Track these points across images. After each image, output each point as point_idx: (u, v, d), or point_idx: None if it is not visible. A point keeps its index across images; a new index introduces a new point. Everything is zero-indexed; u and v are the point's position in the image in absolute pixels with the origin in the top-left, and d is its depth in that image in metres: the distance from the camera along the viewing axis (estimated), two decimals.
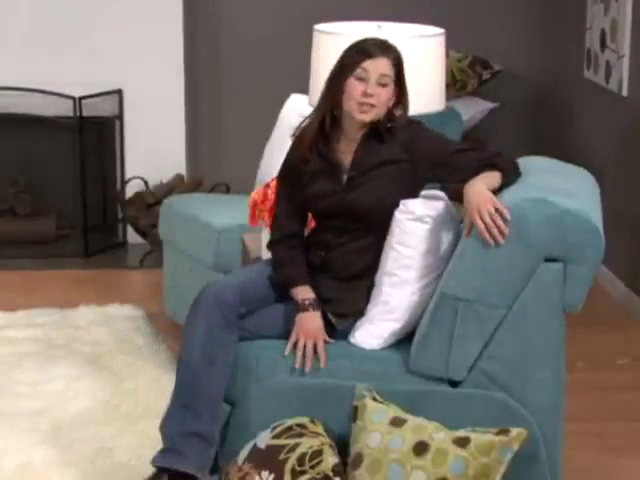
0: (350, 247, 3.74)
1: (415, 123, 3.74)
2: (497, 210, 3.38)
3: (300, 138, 3.77)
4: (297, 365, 3.62)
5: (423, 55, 4.39)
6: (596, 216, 3.51)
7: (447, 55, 4.72)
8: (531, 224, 3.40)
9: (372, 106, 3.62)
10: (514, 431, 3.37)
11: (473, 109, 6.71)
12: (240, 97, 7.02)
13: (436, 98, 4.51)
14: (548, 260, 3.45)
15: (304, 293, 3.71)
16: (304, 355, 3.61)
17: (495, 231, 3.38)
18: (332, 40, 4.34)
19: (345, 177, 3.71)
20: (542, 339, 3.51)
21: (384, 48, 3.67)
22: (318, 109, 3.75)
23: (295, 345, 3.63)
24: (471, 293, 3.46)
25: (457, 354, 3.52)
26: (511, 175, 3.57)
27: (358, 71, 3.63)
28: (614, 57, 6.05)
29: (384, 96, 3.64)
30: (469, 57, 6.81)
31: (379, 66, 3.63)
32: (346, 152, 3.73)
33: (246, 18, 7.00)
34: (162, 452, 3.65)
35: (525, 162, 3.92)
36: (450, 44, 4.86)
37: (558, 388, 3.56)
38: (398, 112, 3.72)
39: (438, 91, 4.51)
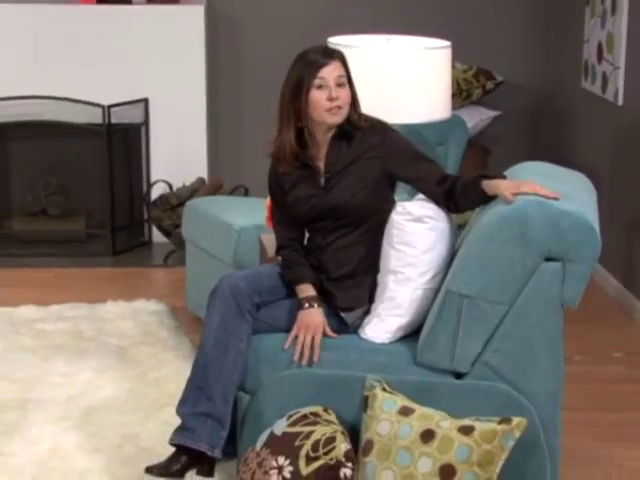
0: (338, 245, 3.76)
1: (384, 124, 3.76)
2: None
3: (278, 157, 3.78)
4: (295, 357, 3.63)
5: (431, 66, 4.39)
6: (593, 218, 3.50)
7: (453, 66, 4.73)
8: (532, 225, 3.39)
9: (339, 107, 3.65)
10: (515, 420, 3.37)
11: (477, 117, 6.71)
12: (258, 105, 7.02)
13: (443, 106, 4.51)
14: (548, 259, 3.44)
15: (305, 291, 3.73)
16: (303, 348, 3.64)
17: (550, 193, 3.41)
18: (344, 52, 4.33)
19: (322, 180, 3.75)
20: (542, 334, 3.50)
21: (329, 53, 3.70)
22: (286, 126, 3.72)
23: (296, 339, 3.65)
24: (475, 290, 3.46)
25: (462, 348, 3.51)
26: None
27: (316, 82, 3.64)
28: (610, 69, 6.04)
29: (346, 95, 3.67)
30: (474, 68, 6.81)
31: (333, 70, 3.65)
32: (319, 157, 3.76)
33: (263, 32, 7.01)
34: (177, 431, 3.66)
35: (526, 167, 3.92)
36: (456, 56, 4.86)
37: (557, 379, 3.55)
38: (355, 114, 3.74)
39: (445, 100, 4.51)
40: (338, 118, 3.66)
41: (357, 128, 3.72)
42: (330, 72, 3.64)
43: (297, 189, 3.77)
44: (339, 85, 3.65)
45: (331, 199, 3.71)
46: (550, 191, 3.42)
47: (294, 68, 3.68)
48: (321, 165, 3.75)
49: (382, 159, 3.69)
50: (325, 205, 3.72)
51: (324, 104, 3.64)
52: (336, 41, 4.50)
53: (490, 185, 3.52)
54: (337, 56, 3.69)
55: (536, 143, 7.22)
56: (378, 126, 3.74)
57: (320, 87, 3.64)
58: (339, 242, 3.76)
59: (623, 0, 5.85)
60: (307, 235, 3.87)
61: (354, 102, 3.72)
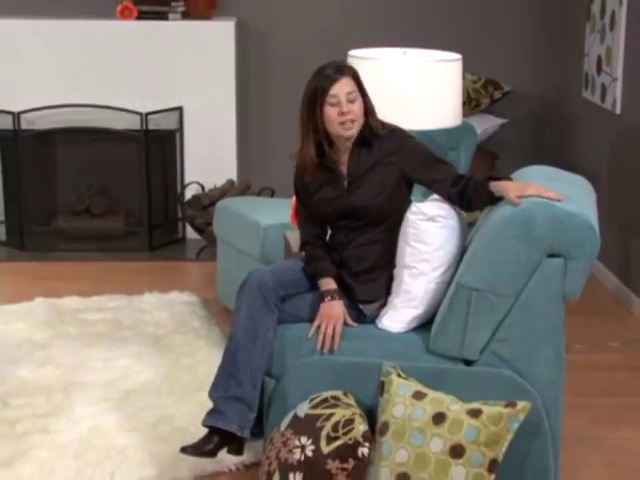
0: (359, 242, 3.75)
1: (401, 131, 3.74)
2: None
3: (302, 166, 3.77)
4: (318, 346, 3.62)
5: (443, 77, 4.38)
6: (593, 217, 3.49)
7: (463, 77, 4.70)
8: (536, 224, 3.38)
9: (352, 121, 3.63)
10: (520, 404, 3.36)
11: (486, 124, 6.69)
12: (283, 113, 7.02)
13: (454, 114, 4.50)
14: (551, 255, 3.43)
15: (326, 285, 3.72)
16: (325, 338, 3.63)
17: (554, 195, 3.39)
18: (364, 64, 4.33)
19: (345, 183, 3.73)
20: (545, 324, 3.49)
21: (340, 69, 3.67)
22: (306, 140, 3.71)
23: (318, 329, 3.64)
24: (483, 284, 3.45)
25: (471, 337, 3.50)
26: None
27: (328, 99, 3.62)
28: (609, 80, 6.02)
29: (357, 109, 3.64)
30: (482, 79, 6.79)
31: (343, 86, 3.62)
32: (342, 162, 3.75)
33: (289, 45, 7.01)
34: (209, 413, 3.67)
35: (531, 170, 3.91)
36: (466, 68, 4.84)
37: (559, 367, 3.54)
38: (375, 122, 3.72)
39: (456, 108, 4.50)
40: (352, 131, 3.65)
41: (376, 135, 3.70)
42: (340, 89, 3.62)
43: (322, 191, 3.76)
44: (350, 101, 3.63)
45: (353, 201, 3.71)
46: (554, 193, 3.40)
47: (309, 86, 3.67)
48: (344, 169, 3.74)
49: (399, 164, 3.68)
50: (347, 206, 3.72)
51: (337, 119, 3.63)
52: (356, 54, 4.49)
53: (497, 186, 3.50)
54: (347, 72, 3.66)
55: (540, 148, 7.20)
56: (396, 133, 3.73)
57: (333, 104, 3.63)
58: (360, 240, 3.75)
59: (621, 17, 5.84)
60: (330, 232, 3.87)
61: (369, 112, 3.70)
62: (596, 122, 6.32)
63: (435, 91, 4.32)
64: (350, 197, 3.71)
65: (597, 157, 6.29)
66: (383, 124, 3.74)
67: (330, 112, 3.64)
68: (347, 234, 3.77)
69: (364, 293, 3.75)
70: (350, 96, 3.63)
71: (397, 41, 5.60)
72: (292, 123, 7.24)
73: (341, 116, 3.62)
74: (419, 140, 3.76)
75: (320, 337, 3.63)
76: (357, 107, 3.65)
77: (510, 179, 3.58)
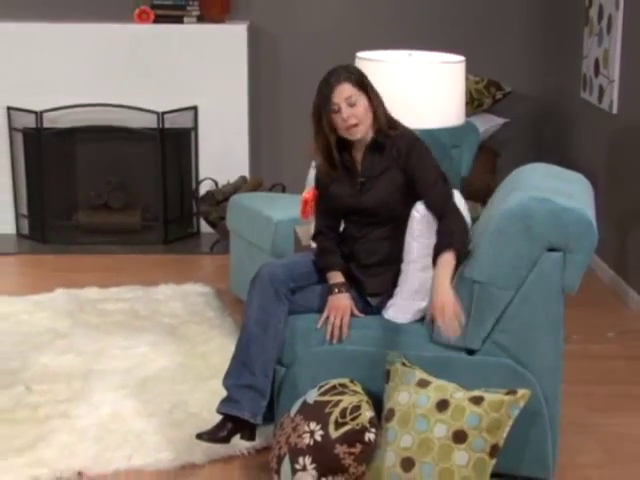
0: (369, 237, 3.74)
1: (414, 137, 3.68)
2: (457, 313, 3.34)
3: (319, 161, 3.77)
4: (327, 337, 3.63)
5: (447, 78, 4.37)
6: (590, 213, 3.48)
7: (466, 78, 4.69)
8: (536, 219, 3.38)
9: (355, 125, 3.61)
10: (520, 391, 3.35)
11: (487, 123, 6.68)
12: (293, 112, 7.02)
13: (457, 114, 4.49)
14: (550, 250, 3.43)
15: (334, 278, 3.72)
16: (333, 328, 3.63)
17: (451, 329, 3.34)
18: (371, 65, 4.33)
19: (359, 181, 3.71)
20: (544, 316, 3.49)
21: (338, 76, 3.62)
22: (318, 144, 3.69)
23: (327, 320, 3.64)
24: (485, 277, 3.44)
25: (473, 327, 3.50)
26: (462, 255, 3.47)
27: (330, 107, 3.61)
28: (606, 81, 6.00)
29: (359, 111, 3.61)
30: (484, 80, 6.78)
31: (341, 93, 3.60)
32: (358, 161, 3.73)
33: (299, 47, 7.00)
34: (223, 401, 3.67)
35: (533, 168, 3.90)
36: (469, 69, 4.83)
37: (557, 356, 3.54)
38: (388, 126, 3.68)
39: (459, 108, 4.49)
40: (357, 134, 3.63)
41: (387, 136, 3.67)
42: (339, 96, 3.60)
43: (337, 187, 3.75)
44: (350, 105, 3.60)
45: (364, 202, 3.69)
46: (450, 319, 3.32)
47: (316, 93, 3.65)
48: (359, 167, 3.73)
49: (402, 167, 3.66)
50: (358, 205, 3.71)
51: (341, 125, 3.62)
52: (364, 56, 4.48)
53: (436, 269, 3.44)
54: (344, 78, 3.61)
55: (540, 147, 7.18)
56: (405, 136, 3.68)
57: (335, 111, 3.61)
58: (370, 235, 3.74)
59: (618, 21, 5.82)
60: (343, 225, 3.85)
61: (377, 111, 3.66)
62: (594, 122, 6.30)
63: (439, 91, 4.31)
64: (362, 197, 3.70)
65: (595, 155, 6.28)
66: (394, 124, 3.71)
67: (335, 119, 3.63)
68: (359, 229, 3.76)
69: (372, 286, 3.75)
70: (349, 100, 3.60)
71: (403, 44, 5.59)
72: (301, 121, 7.25)
73: (344, 122, 3.61)
74: (426, 144, 3.71)
75: (329, 328, 3.63)
76: (359, 110, 3.61)
77: (458, 255, 3.47)
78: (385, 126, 3.68)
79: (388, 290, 3.73)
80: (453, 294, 3.36)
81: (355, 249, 3.77)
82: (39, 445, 3.85)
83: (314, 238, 3.89)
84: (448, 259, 3.43)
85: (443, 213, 3.55)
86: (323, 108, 3.62)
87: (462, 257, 3.47)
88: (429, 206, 3.58)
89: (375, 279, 3.74)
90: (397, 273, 3.71)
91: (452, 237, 3.47)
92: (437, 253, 3.48)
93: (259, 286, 3.64)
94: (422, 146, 3.68)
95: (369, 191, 3.69)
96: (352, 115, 3.60)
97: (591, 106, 6.30)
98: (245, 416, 3.62)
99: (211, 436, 3.65)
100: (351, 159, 3.74)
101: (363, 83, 3.66)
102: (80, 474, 3.71)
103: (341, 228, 3.87)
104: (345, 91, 3.61)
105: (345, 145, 3.73)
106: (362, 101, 3.63)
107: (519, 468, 3.59)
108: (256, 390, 3.62)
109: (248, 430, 3.69)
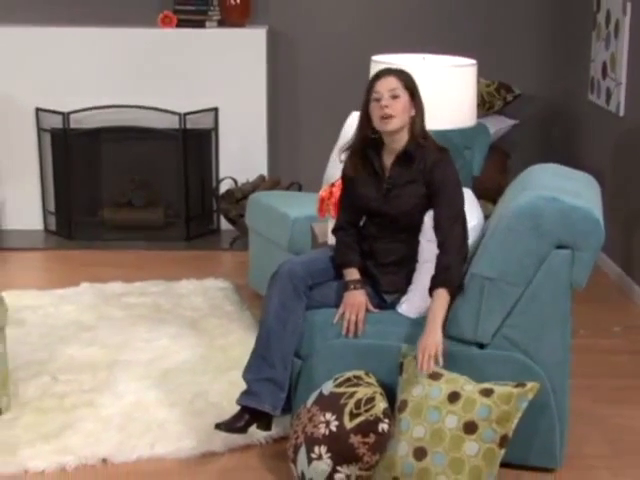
0: (389, 238, 3.72)
1: (445, 155, 3.64)
2: (436, 355, 3.39)
3: (350, 153, 3.75)
4: (344, 332, 3.63)
5: (459, 81, 4.36)
6: (598, 212, 3.47)
7: (478, 81, 4.68)
8: (545, 218, 3.37)
9: (390, 116, 3.58)
10: (529, 384, 3.35)
11: (498, 125, 6.66)
12: (311, 114, 7.02)
13: (469, 116, 4.48)
14: (558, 247, 3.42)
15: (351, 275, 3.72)
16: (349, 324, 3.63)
17: (425, 366, 3.38)
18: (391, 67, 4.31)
19: (385, 187, 3.68)
20: (552, 311, 3.48)
21: (389, 70, 3.64)
22: (360, 130, 3.70)
23: (343, 316, 3.64)
24: (496, 273, 3.44)
25: (484, 322, 3.50)
26: (455, 291, 3.50)
27: (373, 95, 3.61)
28: (613, 84, 5.98)
29: (398, 106, 3.59)
30: (495, 83, 6.76)
31: (386, 83, 3.60)
32: (386, 167, 3.70)
33: (316, 50, 7.00)
34: (243, 394, 3.67)
35: (541, 168, 3.90)
36: (480, 73, 4.82)
37: (565, 350, 3.53)
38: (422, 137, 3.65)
39: (471, 110, 4.48)
40: (389, 125, 3.58)
41: (419, 147, 3.63)
42: (382, 85, 3.59)
43: (363, 188, 3.72)
44: (393, 97, 3.59)
45: (387, 208, 3.67)
46: (426, 359, 3.37)
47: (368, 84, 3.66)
48: (386, 173, 3.70)
49: (425, 181, 3.62)
50: (381, 210, 3.69)
51: (377, 112, 3.60)
52: (379, 59, 4.47)
53: (432, 300, 3.49)
54: (393, 73, 3.62)
55: (549, 147, 7.16)
56: (433, 149, 3.63)
57: (376, 100, 3.60)
58: (389, 236, 3.72)
59: (625, 26, 5.80)
60: (364, 221, 3.82)
61: (416, 116, 3.63)
62: (601, 123, 6.28)
63: (452, 94, 4.30)
64: (386, 204, 3.67)
65: (602, 156, 6.26)
66: (426, 136, 3.66)
67: (373, 107, 3.61)
68: (379, 229, 3.74)
69: (387, 283, 3.74)
70: (392, 92, 3.58)
71: (417, 48, 5.58)
72: (318, 123, 7.25)
73: (380, 110, 3.58)
74: (451, 159, 3.65)
75: (345, 324, 3.63)
76: (399, 104, 3.58)
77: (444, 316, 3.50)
78: (419, 136, 3.64)
79: (403, 288, 3.72)
80: (440, 338, 3.41)
81: (374, 247, 3.75)
82: (65, 433, 3.86)
83: (334, 232, 3.86)
84: (443, 295, 3.48)
85: (444, 240, 3.55)
86: (366, 97, 3.61)
87: (457, 292, 3.50)
88: (436, 226, 3.58)
89: (391, 277, 3.73)
90: (411, 272, 3.71)
91: (447, 273, 3.50)
92: (433, 286, 3.51)
93: (279, 283, 3.64)
94: (446, 164, 3.62)
95: (394, 199, 3.66)
96: (390, 106, 3.57)
97: (599, 108, 6.28)
98: (265, 408, 3.63)
99: (229, 426, 3.65)
100: (380, 163, 3.71)
101: (411, 85, 3.64)
102: (104, 461, 3.72)
103: (361, 222, 3.85)
104: (391, 83, 3.60)
105: (377, 148, 3.71)
106: (404, 98, 3.60)
107: (527, 458, 3.59)
108: (275, 383, 3.62)
109: (265, 421, 3.70)
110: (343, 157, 3.79)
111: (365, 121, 3.65)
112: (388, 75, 3.62)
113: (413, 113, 3.64)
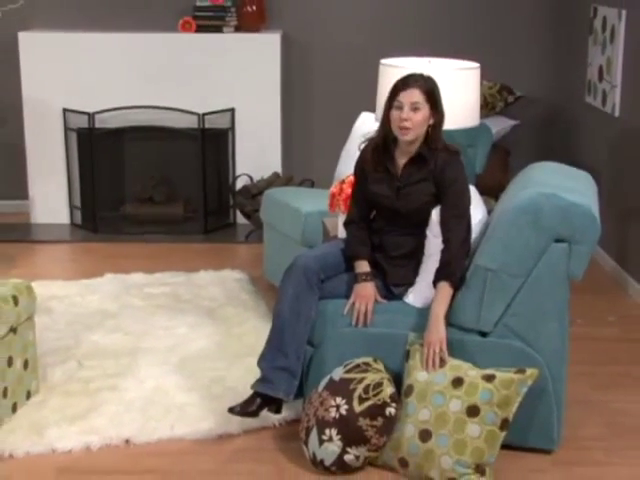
0: (398, 232, 3.71)
1: (455, 157, 3.62)
2: (441, 350, 3.41)
3: (365, 149, 3.74)
4: (353, 322, 3.62)
5: (463, 83, 4.34)
6: (594, 208, 3.46)
7: (481, 84, 4.66)
8: (544, 213, 3.36)
9: (408, 129, 3.57)
10: (529, 371, 3.35)
11: (500, 125, 6.64)
12: (323, 114, 7.01)
13: (472, 116, 4.46)
14: (557, 241, 3.41)
15: (361, 267, 3.71)
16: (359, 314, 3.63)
17: (430, 362, 3.40)
18: (394, 71, 4.31)
19: (397, 185, 3.67)
20: (551, 301, 3.47)
21: (414, 81, 3.59)
22: (379, 130, 3.70)
23: (353, 307, 3.64)
24: (497, 265, 3.43)
25: (486, 312, 3.49)
26: (457, 284, 3.50)
27: (395, 103, 3.59)
28: (609, 87, 5.96)
29: (418, 119, 3.56)
30: (497, 85, 6.74)
31: (409, 96, 3.56)
32: (399, 165, 3.69)
33: (328, 54, 6.99)
34: (258, 381, 3.67)
35: (540, 166, 3.89)
36: (483, 75, 4.80)
37: (563, 338, 3.52)
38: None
39: (474, 111, 4.46)
40: (407, 137, 3.58)
41: (432, 150, 3.62)
42: (405, 97, 3.56)
43: (376, 184, 3.71)
44: (413, 109, 3.56)
45: (398, 206, 3.66)
46: (432, 355, 3.41)
47: (391, 88, 3.62)
48: (398, 172, 3.69)
49: (436, 180, 3.61)
50: (393, 207, 3.67)
51: (396, 123, 3.58)
52: (387, 62, 4.47)
53: (435, 293, 3.50)
54: (420, 84, 3.57)
55: (547, 146, 7.14)
56: (448, 156, 3.61)
57: (398, 108, 3.58)
58: (399, 230, 3.71)
59: (620, 31, 5.77)
60: (375, 215, 3.80)
61: (435, 127, 3.60)
62: (597, 124, 6.26)
63: (456, 95, 4.28)
64: (397, 202, 3.66)
65: (598, 154, 6.23)
66: (440, 139, 3.63)
67: (393, 114, 3.59)
68: (390, 224, 3.73)
69: (396, 276, 3.72)
70: (414, 105, 3.56)
71: (423, 51, 5.57)
72: (330, 122, 7.24)
73: (400, 121, 3.57)
74: (461, 161, 3.64)
75: (355, 314, 3.62)
76: (418, 117, 3.56)
77: (454, 287, 3.51)
78: (434, 143, 3.62)
79: (411, 281, 3.71)
80: (444, 333, 3.43)
81: (384, 240, 3.74)
82: (90, 415, 3.87)
83: (346, 225, 3.84)
84: (445, 287, 3.48)
85: (449, 237, 3.54)
86: (389, 101, 3.59)
87: (458, 284, 3.50)
88: (442, 223, 3.57)
89: (399, 270, 3.72)
90: (418, 265, 3.70)
91: (449, 268, 3.50)
92: (437, 279, 3.52)
93: (293, 276, 3.63)
94: (457, 165, 3.60)
95: (405, 197, 3.65)
96: (410, 119, 3.56)
97: (595, 109, 6.26)
98: (280, 395, 3.63)
99: (241, 410, 3.66)
100: (393, 162, 3.70)
101: (433, 96, 3.59)
102: (127, 441, 3.73)
103: (372, 215, 3.84)
104: (414, 96, 3.56)
105: (393, 146, 3.69)
106: (424, 111, 3.57)
107: (526, 440, 3.58)
108: (289, 372, 3.61)
109: (275, 405, 3.70)
110: (362, 147, 3.77)
111: (386, 122, 3.64)
112: (413, 87, 3.56)
113: (432, 122, 3.62)
